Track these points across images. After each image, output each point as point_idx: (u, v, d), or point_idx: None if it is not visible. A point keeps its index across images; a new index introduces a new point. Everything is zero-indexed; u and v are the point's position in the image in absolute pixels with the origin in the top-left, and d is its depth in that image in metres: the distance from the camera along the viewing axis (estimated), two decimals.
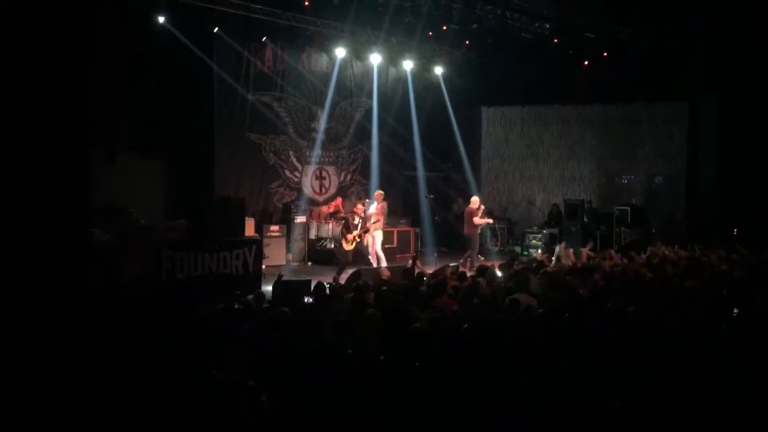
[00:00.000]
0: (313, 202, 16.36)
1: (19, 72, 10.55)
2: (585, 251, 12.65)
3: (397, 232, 16.41)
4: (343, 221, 13.83)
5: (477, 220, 14.19)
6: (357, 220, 13.12)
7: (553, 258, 12.30)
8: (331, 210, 15.78)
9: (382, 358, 5.49)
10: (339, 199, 16.22)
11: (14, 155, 10.45)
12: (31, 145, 10.60)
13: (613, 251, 11.90)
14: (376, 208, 13.83)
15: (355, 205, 13.92)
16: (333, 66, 16.48)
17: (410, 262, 10.10)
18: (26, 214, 10.16)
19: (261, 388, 4.88)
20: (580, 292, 8.23)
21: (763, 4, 14.59)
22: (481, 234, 15.77)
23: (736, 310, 6.90)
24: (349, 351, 5.57)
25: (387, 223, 16.09)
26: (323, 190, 16.83)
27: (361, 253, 13.22)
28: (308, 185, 16.49)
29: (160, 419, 4.64)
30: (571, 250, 12.53)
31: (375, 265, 13.15)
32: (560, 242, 14.16)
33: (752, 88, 16.00)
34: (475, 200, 14.48)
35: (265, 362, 5.53)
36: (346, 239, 13.13)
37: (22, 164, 10.50)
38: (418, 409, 4.77)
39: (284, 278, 10.14)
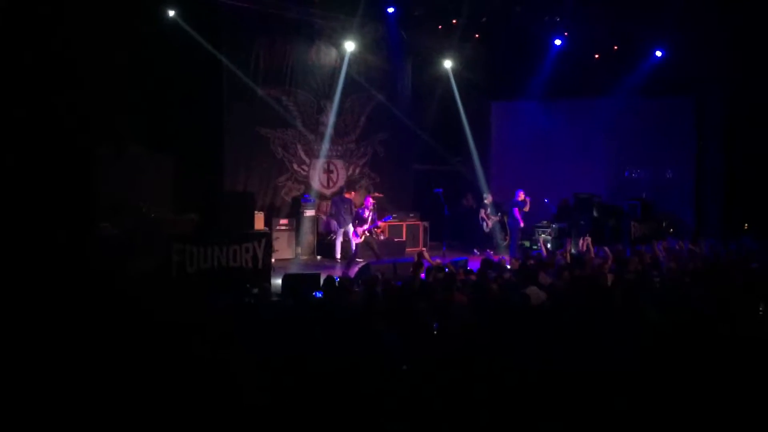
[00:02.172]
0: (320, 196, 16.35)
1: (24, 69, 10.60)
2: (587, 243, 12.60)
3: (407, 225, 16.42)
4: (355, 215, 13.88)
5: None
6: (367, 213, 13.12)
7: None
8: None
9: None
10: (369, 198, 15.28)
11: (21, 152, 10.51)
12: (37, 143, 10.66)
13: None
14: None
15: (365, 198, 13.94)
16: (342, 60, 16.44)
17: (416, 256, 10.09)
18: (35, 211, 10.22)
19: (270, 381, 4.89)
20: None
21: None
22: (491, 229, 16.01)
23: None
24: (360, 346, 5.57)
25: (396, 217, 16.17)
26: (331, 183, 16.80)
27: (370, 246, 13.24)
28: (316, 179, 16.47)
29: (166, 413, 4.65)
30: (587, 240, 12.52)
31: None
32: (571, 237, 14.17)
33: (759, 81, 15.90)
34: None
35: (273, 355, 5.53)
36: (355, 232, 13.14)
37: (29, 161, 10.55)
38: (426, 403, 4.76)
39: (293, 272, 10.16)
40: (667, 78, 16.99)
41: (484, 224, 16.33)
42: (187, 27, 13.37)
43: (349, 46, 16.12)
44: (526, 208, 15.74)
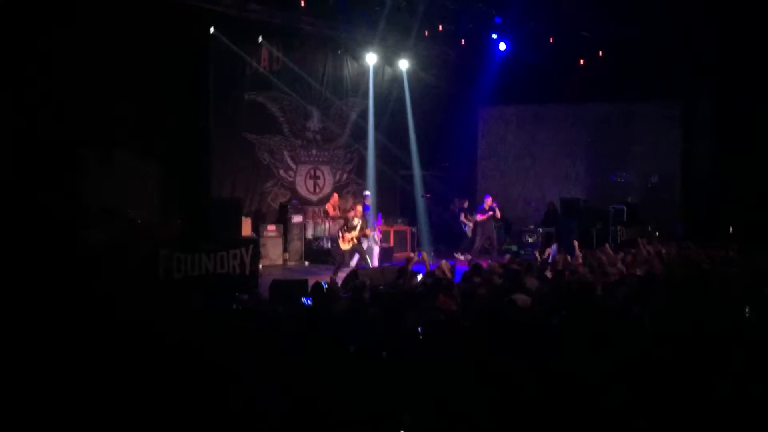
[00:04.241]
0: (306, 202, 16.34)
1: (10, 75, 10.56)
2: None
3: (394, 231, 16.43)
4: (343, 221, 13.87)
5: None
6: (356, 220, 13.13)
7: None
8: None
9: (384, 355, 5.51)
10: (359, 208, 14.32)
11: (7, 158, 10.46)
12: (23, 148, 10.62)
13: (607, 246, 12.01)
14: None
15: (354, 206, 13.93)
16: (329, 66, 16.46)
17: (411, 258, 10.11)
18: (20, 217, 10.17)
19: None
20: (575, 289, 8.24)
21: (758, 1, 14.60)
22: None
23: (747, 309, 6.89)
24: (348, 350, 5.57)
25: (383, 223, 16.17)
26: (317, 189, 16.81)
27: (358, 252, 13.23)
28: (302, 185, 16.48)
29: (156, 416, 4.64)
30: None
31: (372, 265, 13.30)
32: (555, 242, 14.23)
33: (747, 85, 16.02)
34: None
35: (263, 361, 5.52)
36: (343, 238, 13.14)
37: (15, 167, 10.51)
38: (415, 407, 4.77)
39: (280, 278, 10.13)
40: (654, 82, 17.10)
41: (466, 228, 16.35)
42: (174, 33, 13.31)
43: (336, 52, 16.15)
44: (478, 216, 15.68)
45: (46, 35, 11.04)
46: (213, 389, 4.87)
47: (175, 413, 4.67)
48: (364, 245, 13.68)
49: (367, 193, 15.25)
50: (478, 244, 15.55)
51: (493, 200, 15.98)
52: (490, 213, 15.72)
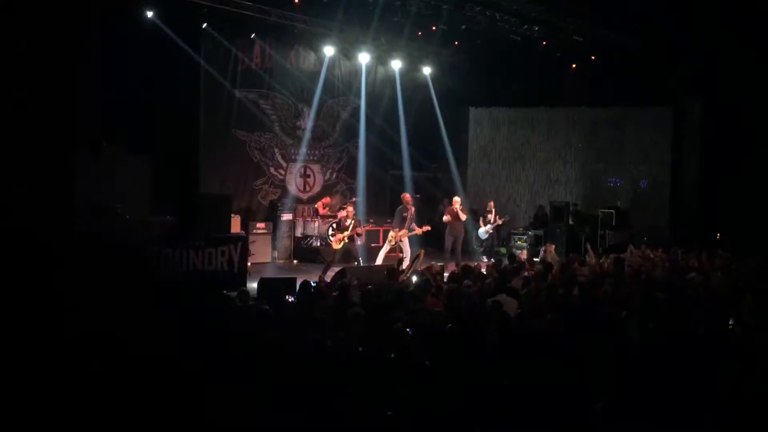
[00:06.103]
0: (297, 200, 16.34)
1: (4, 69, 10.49)
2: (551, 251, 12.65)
3: (383, 231, 16.40)
4: (335, 221, 13.84)
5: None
6: (348, 221, 13.11)
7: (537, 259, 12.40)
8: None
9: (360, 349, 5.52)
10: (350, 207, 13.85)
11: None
12: (16, 142, 10.55)
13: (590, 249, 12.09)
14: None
15: (346, 205, 13.89)
16: (321, 64, 16.45)
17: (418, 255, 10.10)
18: (11, 213, 10.11)
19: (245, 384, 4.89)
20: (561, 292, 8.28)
21: (746, 8, 14.66)
22: (466, 234, 15.86)
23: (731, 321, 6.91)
24: (331, 348, 5.59)
25: (373, 223, 16.15)
26: (307, 188, 16.82)
27: (349, 252, 13.22)
28: (292, 183, 16.49)
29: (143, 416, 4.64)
30: (552, 248, 12.62)
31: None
32: (545, 243, 14.24)
33: (735, 93, 16.10)
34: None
35: (248, 359, 5.52)
36: (335, 238, 13.12)
37: (7, 161, 10.44)
38: (399, 407, 4.78)
39: (269, 276, 10.12)
40: (645, 88, 17.16)
41: (481, 230, 16.27)
42: (166, 28, 13.30)
43: (329, 50, 16.14)
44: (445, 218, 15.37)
45: (36, 30, 10.97)
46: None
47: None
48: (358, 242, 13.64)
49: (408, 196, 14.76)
50: (447, 245, 15.23)
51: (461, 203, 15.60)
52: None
